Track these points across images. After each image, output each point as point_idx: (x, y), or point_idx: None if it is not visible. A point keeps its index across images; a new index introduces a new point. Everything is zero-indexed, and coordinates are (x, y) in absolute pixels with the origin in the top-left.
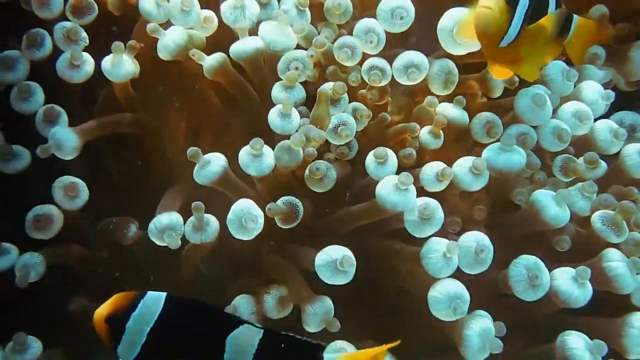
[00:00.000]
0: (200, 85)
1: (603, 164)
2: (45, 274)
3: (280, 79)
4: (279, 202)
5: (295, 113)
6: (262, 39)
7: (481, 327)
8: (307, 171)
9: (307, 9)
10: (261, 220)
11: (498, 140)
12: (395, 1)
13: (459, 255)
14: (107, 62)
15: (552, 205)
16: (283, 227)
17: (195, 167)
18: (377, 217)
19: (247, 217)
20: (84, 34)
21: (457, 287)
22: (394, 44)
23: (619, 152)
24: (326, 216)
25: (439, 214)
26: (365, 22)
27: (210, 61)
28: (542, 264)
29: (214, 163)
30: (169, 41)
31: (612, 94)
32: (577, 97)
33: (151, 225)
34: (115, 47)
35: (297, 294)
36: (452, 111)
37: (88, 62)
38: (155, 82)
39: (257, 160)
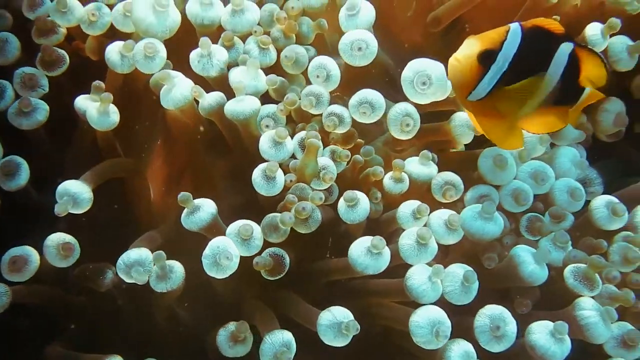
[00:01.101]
0: (183, 127)
1: (570, 216)
2: (23, 316)
3: None
4: (264, 254)
5: (279, 175)
6: (231, 83)
7: (463, 349)
8: (292, 211)
9: (270, 47)
10: (236, 260)
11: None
12: (356, 34)
13: (445, 284)
14: (92, 110)
15: (530, 262)
16: (269, 278)
17: (184, 212)
18: (352, 275)
19: (222, 254)
20: (44, 81)
21: (439, 313)
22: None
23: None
24: (309, 262)
25: (434, 243)
26: (317, 59)
27: (210, 101)
28: (508, 315)
29: (203, 210)
30: (179, 94)
31: (585, 163)
32: (550, 163)
33: (119, 260)
34: (103, 97)
35: (262, 325)
36: (417, 167)
37: (40, 110)
38: (135, 124)
39: (245, 243)
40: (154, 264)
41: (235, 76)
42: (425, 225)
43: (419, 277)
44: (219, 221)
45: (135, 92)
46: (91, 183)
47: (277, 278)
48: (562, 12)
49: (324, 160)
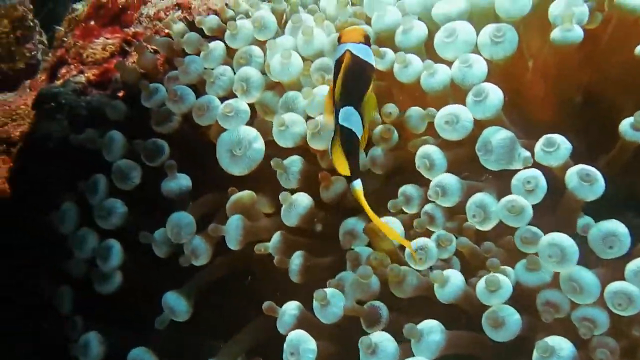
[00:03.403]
0: None
1: None
2: None
3: None
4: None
5: None
6: None
7: None
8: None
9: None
10: (311, 355)
11: None
12: (449, 108)
13: None
14: None
15: None
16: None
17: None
18: None
19: (287, 349)
20: (135, 173)
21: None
22: None
23: None
24: None
25: None
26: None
27: None
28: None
29: (287, 313)
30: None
31: None
32: None
33: None
34: None
35: None
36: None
37: (116, 214)
38: None
39: (324, 309)
40: None
41: None
42: None
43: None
44: (307, 317)
45: None
46: (191, 296)
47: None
48: None
49: (422, 240)
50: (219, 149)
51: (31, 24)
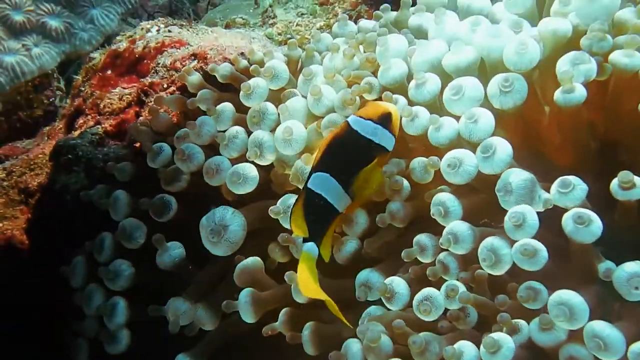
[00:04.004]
0: None
1: None
2: None
3: None
4: None
5: None
6: None
7: None
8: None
9: None
10: None
11: None
12: (453, 152)
13: None
14: None
15: None
16: None
17: None
18: None
19: None
20: (139, 233)
21: None
22: None
23: None
24: None
25: None
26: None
27: None
28: None
29: None
30: None
31: None
32: None
33: None
34: None
35: None
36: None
37: (122, 277)
38: None
39: None
40: None
41: None
42: None
43: None
44: None
45: None
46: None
47: None
48: None
49: (427, 291)
50: (202, 233)
51: (49, 71)
